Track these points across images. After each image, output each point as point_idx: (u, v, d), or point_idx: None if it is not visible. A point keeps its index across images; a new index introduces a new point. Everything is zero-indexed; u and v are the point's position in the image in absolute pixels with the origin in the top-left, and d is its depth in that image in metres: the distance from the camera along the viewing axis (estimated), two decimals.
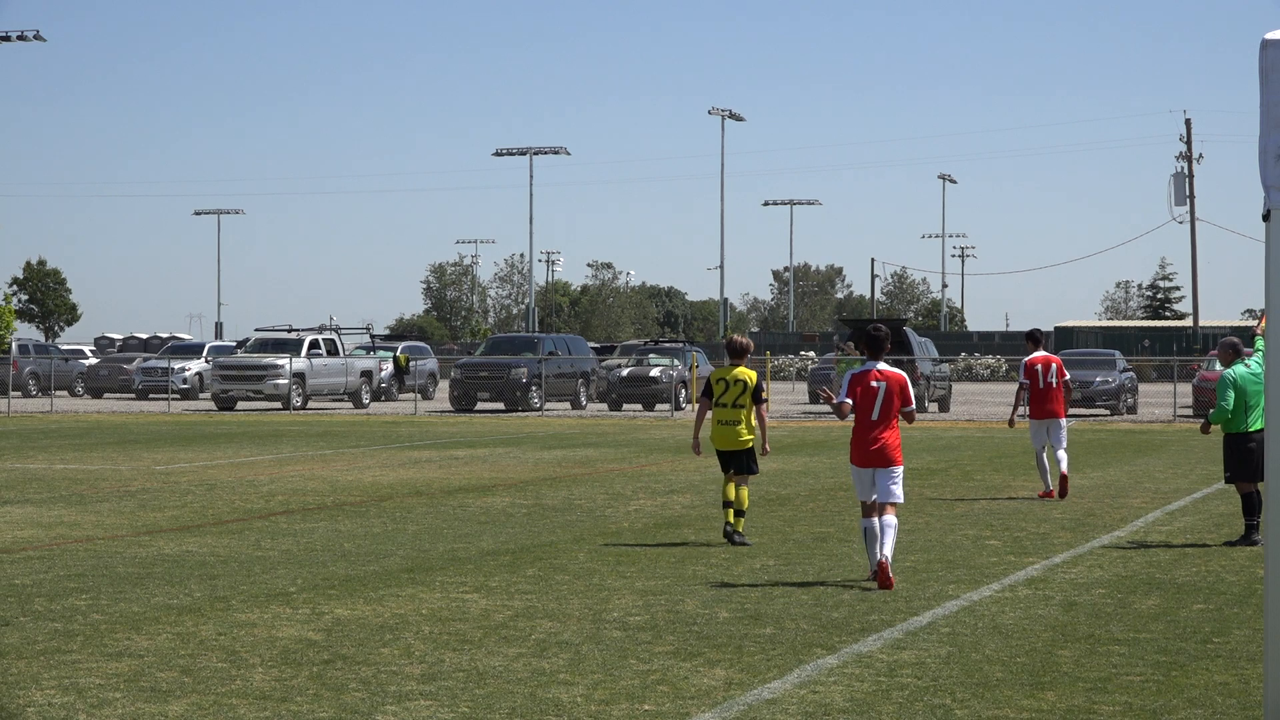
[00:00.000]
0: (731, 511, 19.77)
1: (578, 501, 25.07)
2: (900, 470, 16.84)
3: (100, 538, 20.34)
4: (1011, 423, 28.36)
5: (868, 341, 17.55)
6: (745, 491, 19.99)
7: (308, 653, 12.78)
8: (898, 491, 16.69)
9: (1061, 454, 25.65)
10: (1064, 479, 25.47)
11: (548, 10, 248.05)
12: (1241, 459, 19.82)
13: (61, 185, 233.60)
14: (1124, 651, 12.89)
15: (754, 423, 19.77)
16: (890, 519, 16.47)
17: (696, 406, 20.92)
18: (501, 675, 11.96)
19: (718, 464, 20.15)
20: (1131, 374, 59.96)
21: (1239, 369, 20.01)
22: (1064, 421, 26.07)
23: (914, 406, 17.20)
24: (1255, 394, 19.63)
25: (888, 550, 16.28)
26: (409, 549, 19.25)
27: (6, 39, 79.96)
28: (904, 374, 17.30)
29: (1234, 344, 20.60)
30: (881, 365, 17.12)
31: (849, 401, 16.84)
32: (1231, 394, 19.80)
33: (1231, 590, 16.17)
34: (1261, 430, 19.03)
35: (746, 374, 19.82)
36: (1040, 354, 26.41)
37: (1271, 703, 6.44)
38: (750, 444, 19.79)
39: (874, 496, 16.64)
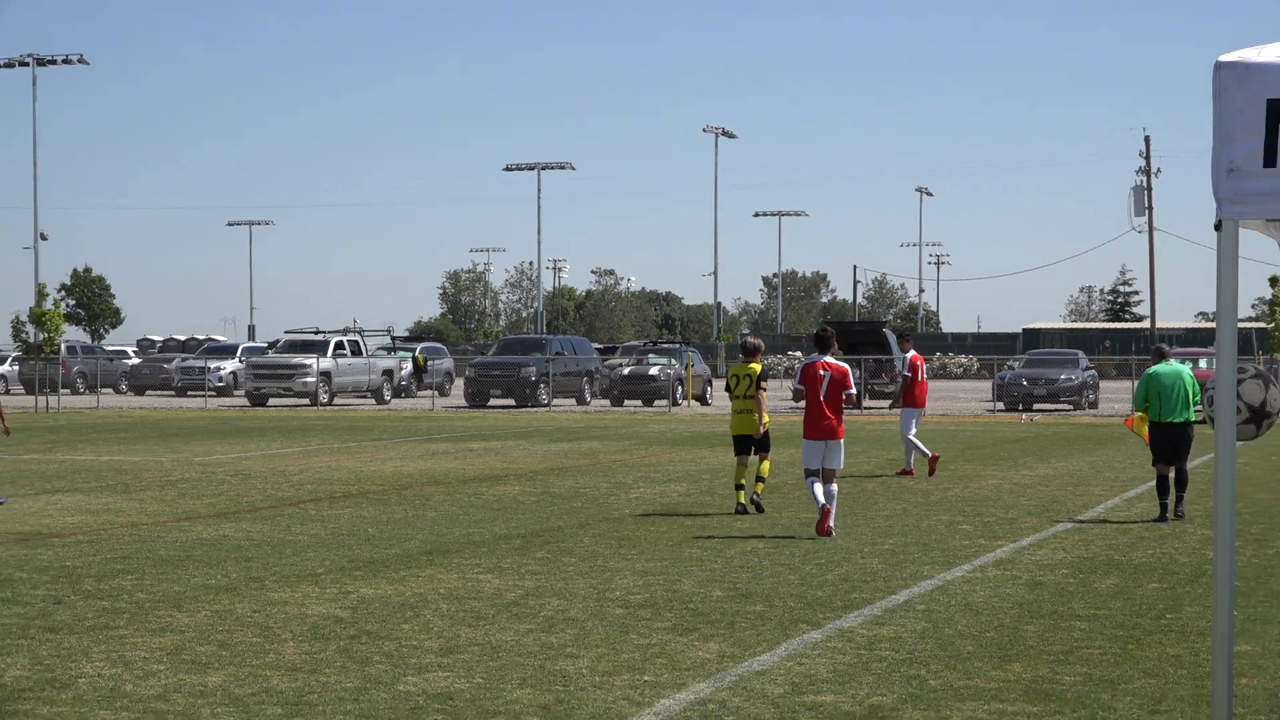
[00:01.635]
0: (757, 485, 21.36)
1: (583, 490, 25.09)
2: (842, 442, 19.28)
3: (144, 523, 20.37)
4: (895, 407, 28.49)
5: (816, 340, 20.65)
6: (766, 464, 21.56)
7: (335, 628, 12.81)
8: (840, 460, 19.21)
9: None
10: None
11: (555, 36, 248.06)
12: (1162, 442, 20.78)
13: (105, 198, 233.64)
14: (1084, 626, 12.92)
15: (761, 408, 21.19)
16: (834, 487, 19.02)
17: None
18: (513, 649, 11.99)
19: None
20: (1093, 372, 59.96)
21: (1160, 368, 20.99)
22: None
23: (854, 391, 19.56)
24: (1172, 390, 20.77)
25: (833, 508, 18.74)
26: (427, 533, 19.27)
27: (53, 62, 79.96)
28: (846, 366, 19.47)
29: (1159, 349, 21.93)
30: (828, 358, 19.58)
31: (802, 388, 19.28)
32: (1142, 390, 21.02)
33: (1184, 570, 16.20)
34: (1183, 422, 20.69)
35: (755, 368, 21.41)
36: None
37: (1220, 672, 6.47)
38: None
39: (820, 464, 19.01)
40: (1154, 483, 21.61)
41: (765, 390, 21.47)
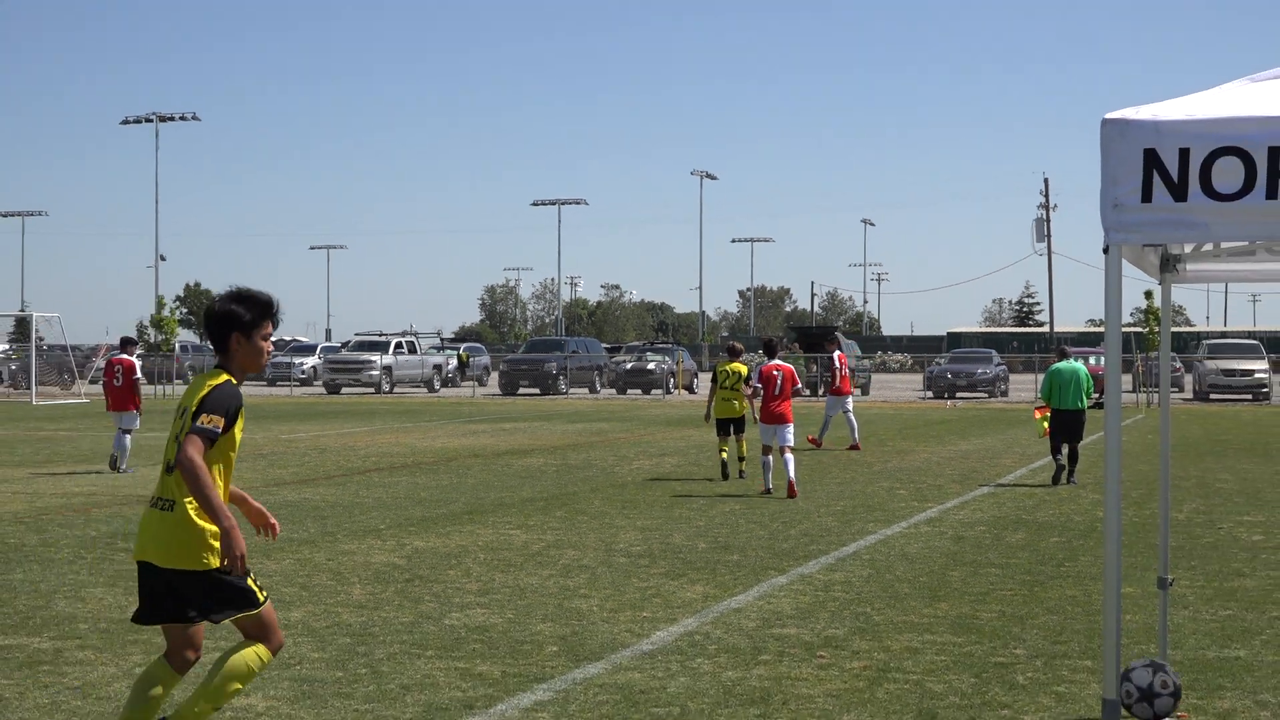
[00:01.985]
0: (740, 462, 21.74)
1: (594, 461, 25.04)
2: (792, 426, 19.81)
3: (240, 488, 20.30)
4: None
5: (764, 346, 22.22)
6: (745, 443, 21.79)
7: (393, 574, 12.77)
8: (791, 438, 19.69)
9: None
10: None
11: (572, 99, 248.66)
12: (1060, 425, 21.28)
13: (213, 226, 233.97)
14: (999, 573, 12.88)
15: (745, 399, 21.41)
16: (789, 456, 19.59)
17: (709, 389, 22.40)
18: (537, 590, 11.94)
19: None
20: (1004, 367, 59.91)
21: (1060, 365, 21.53)
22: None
23: (800, 385, 20.64)
24: (1070, 383, 21.28)
25: (792, 473, 19.30)
26: (469, 497, 19.22)
27: (172, 119, 79.87)
28: (792, 367, 20.36)
29: (1061, 349, 22.60)
30: (778, 360, 20.54)
31: (760, 385, 20.12)
32: (1046, 383, 21.56)
33: (1079, 527, 16.16)
34: (1074, 409, 21.21)
35: (740, 368, 21.62)
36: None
37: (1109, 609, 6.43)
38: (743, 413, 21.51)
39: (775, 442, 19.62)
40: (1051, 458, 21.95)
41: (749, 385, 21.56)
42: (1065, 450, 21.22)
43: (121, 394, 23.36)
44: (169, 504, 6.44)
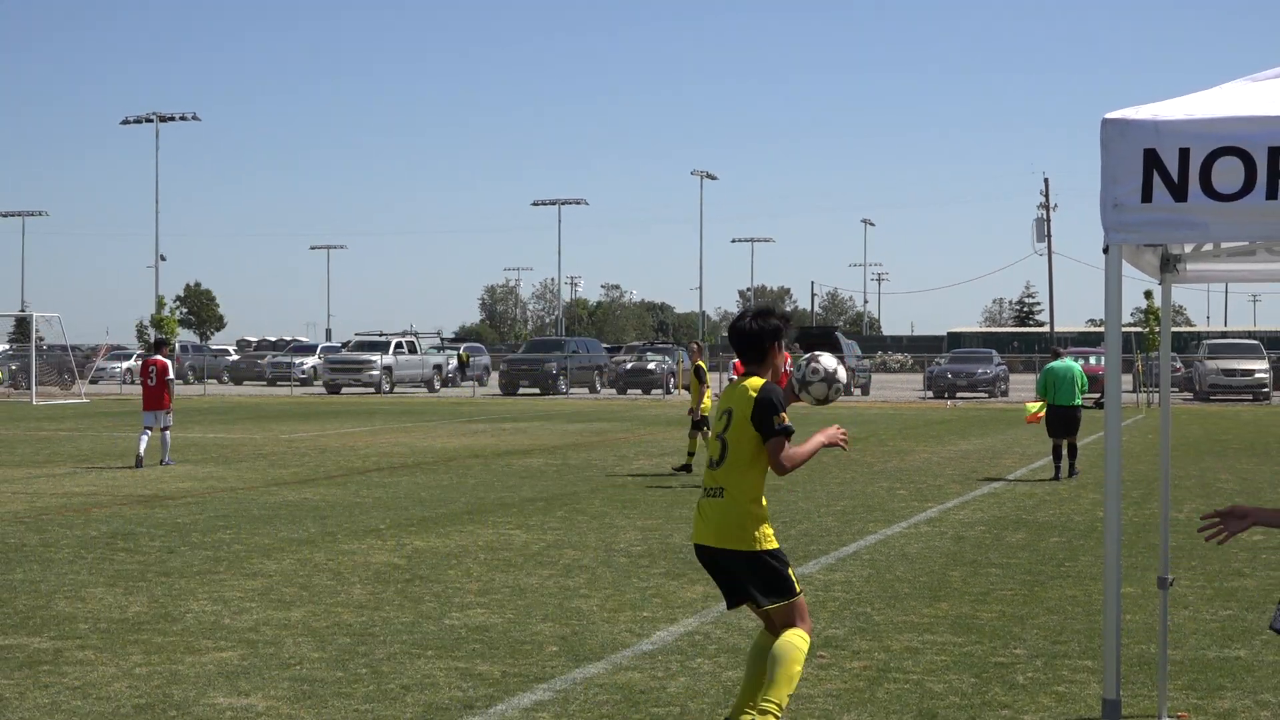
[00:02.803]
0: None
1: (594, 462, 25.04)
2: None
3: (240, 488, 20.33)
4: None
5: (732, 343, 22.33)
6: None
7: (394, 574, 12.77)
8: None
9: None
10: None
11: (573, 99, 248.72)
12: (1055, 421, 21.87)
13: (213, 227, 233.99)
14: (999, 572, 12.88)
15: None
16: None
17: (695, 387, 23.05)
18: (537, 590, 11.94)
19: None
20: (1004, 367, 59.95)
21: (1056, 364, 22.26)
22: None
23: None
24: (1064, 381, 21.91)
25: None
26: (469, 496, 19.22)
27: (172, 119, 79.85)
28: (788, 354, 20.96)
29: (1055, 350, 23.54)
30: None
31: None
32: (1042, 381, 22.17)
33: (1079, 527, 16.16)
34: (1069, 405, 21.86)
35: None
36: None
37: (1109, 609, 6.43)
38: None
39: None
40: (1051, 455, 22.40)
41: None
42: (1065, 447, 21.89)
43: (155, 393, 24.36)
44: (719, 491, 7.03)
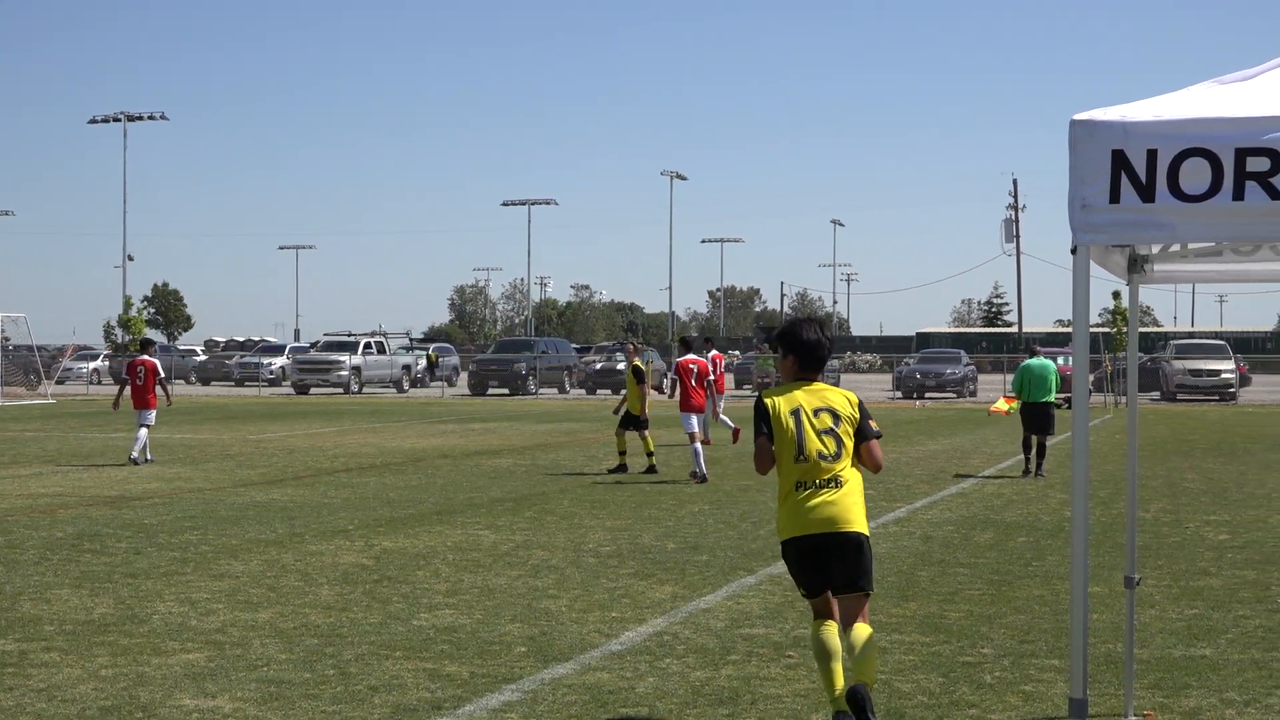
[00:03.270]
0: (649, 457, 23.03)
1: (563, 462, 25.02)
2: (707, 414, 22.37)
3: (208, 489, 20.25)
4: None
5: (681, 342, 23.88)
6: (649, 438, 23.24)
7: (362, 574, 12.73)
8: (704, 426, 22.12)
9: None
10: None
11: (544, 100, 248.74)
12: (1030, 418, 22.44)
13: (181, 227, 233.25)
14: (967, 572, 12.91)
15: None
16: (699, 445, 21.75)
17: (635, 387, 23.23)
18: (506, 591, 11.92)
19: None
20: (973, 367, 60.16)
21: (1031, 361, 22.74)
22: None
23: (712, 377, 22.95)
24: (1039, 379, 22.43)
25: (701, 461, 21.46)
26: (438, 497, 19.19)
27: (140, 118, 79.52)
28: (705, 361, 22.43)
29: (1032, 348, 23.70)
30: (691, 355, 22.66)
31: (676, 378, 22.43)
32: (1018, 378, 22.73)
33: (1046, 526, 16.21)
34: (1046, 402, 22.45)
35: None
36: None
37: (1076, 609, 6.45)
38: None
39: (693, 429, 21.80)
40: (1022, 456, 22.94)
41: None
42: (1034, 445, 22.41)
43: (142, 392, 25.06)
44: (837, 482, 7.60)
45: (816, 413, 7.68)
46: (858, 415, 7.78)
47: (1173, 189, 6.05)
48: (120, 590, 11.91)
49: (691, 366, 22.40)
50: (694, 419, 22.10)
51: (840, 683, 7.39)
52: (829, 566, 7.56)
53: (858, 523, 7.59)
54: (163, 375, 25.40)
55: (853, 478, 7.68)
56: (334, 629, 10.31)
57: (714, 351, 28.69)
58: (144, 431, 24.76)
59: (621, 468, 22.93)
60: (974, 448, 28.77)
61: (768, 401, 7.69)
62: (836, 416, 7.72)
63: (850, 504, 7.60)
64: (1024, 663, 9.27)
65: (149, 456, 24.90)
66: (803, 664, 9.24)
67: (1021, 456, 22.92)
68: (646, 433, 23.07)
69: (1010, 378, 23.82)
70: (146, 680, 8.74)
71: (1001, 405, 23.17)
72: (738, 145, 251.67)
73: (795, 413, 7.61)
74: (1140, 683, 8.63)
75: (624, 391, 23.59)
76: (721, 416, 27.20)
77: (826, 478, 7.57)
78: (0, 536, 15.21)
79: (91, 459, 25.56)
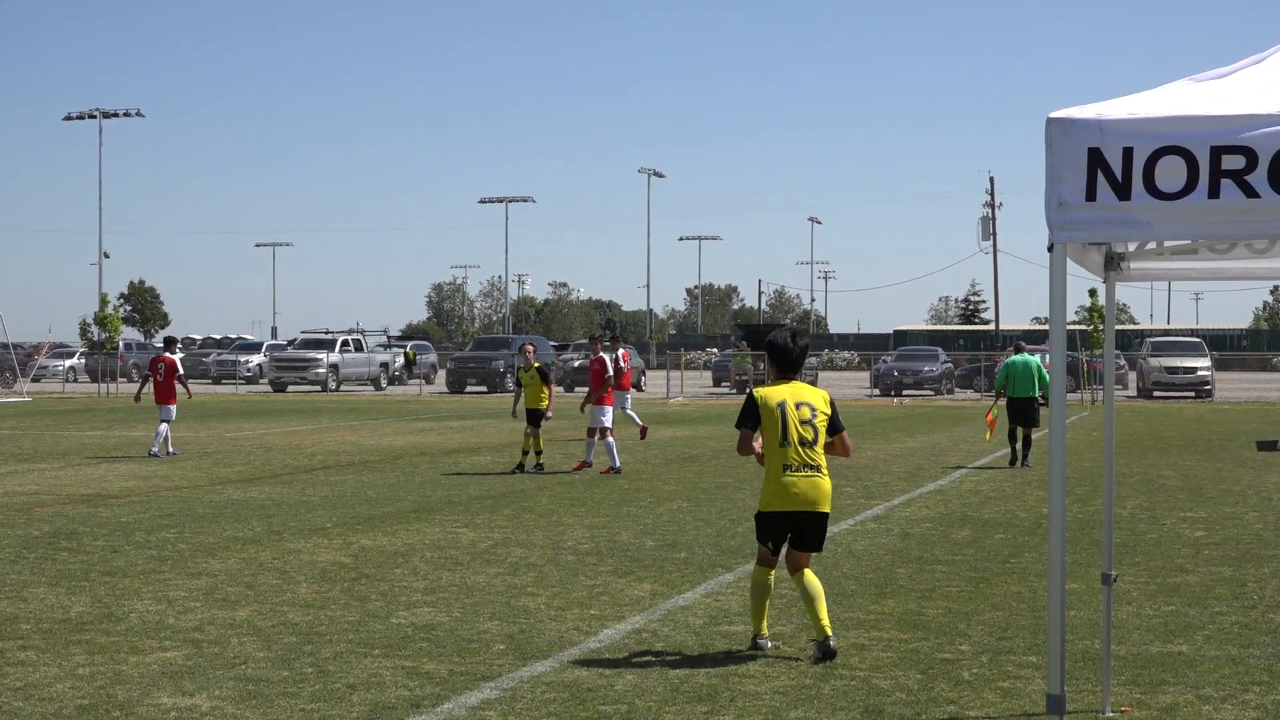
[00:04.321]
0: (537, 455, 23.06)
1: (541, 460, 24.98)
2: (611, 407, 23.02)
3: (185, 487, 20.20)
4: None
5: (590, 339, 24.67)
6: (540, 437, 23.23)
7: (340, 572, 12.72)
8: (610, 420, 22.76)
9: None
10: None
11: (521, 96, 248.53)
12: (1015, 411, 23.87)
13: (157, 224, 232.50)
14: (945, 569, 12.94)
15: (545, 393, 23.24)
16: (611, 440, 22.62)
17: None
18: (485, 589, 11.92)
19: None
20: (950, 364, 60.25)
21: (1015, 358, 24.12)
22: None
23: (610, 374, 23.53)
24: (1023, 374, 23.76)
25: (616, 455, 22.60)
26: (416, 495, 19.17)
27: (115, 115, 79.19)
28: (606, 358, 23.39)
29: (1018, 345, 24.90)
30: (621, 350, 24.37)
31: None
32: (1002, 373, 24.13)
33: (1024, 524, 16.25)
34: (1027, 397, 23.72)
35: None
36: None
37: (1054, 605, 6.47)
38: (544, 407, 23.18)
39: (602, 424, 22.60)
40: (1000, 452, 23.56)
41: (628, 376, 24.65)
42: (1020, 435, 23.75)
43: (164, 388, 26.00)
44: (818, 468, 9.50)
45: (798, 406, 9.39)
46: (829, 411, 9.54)
47: (1149, 187, 6.07)
48: (97, 589, 11.88)
49: (597, 366, 23.49)
50: (607, 412, 22.87)
51: (765, 619, 9.67)
52: (796, 533, 9.51)
53: (826, 503, 9.59)
54: (182, 372, 26.40)
55: (826, 465, 9.54)
56: (312, 627, 10.30)
57: (622, 349, 28.77)
58: (164, 426, 25.74)
59: (539, 467, 22.91)
60: (951, 445, 28.83)
61: (757, 395, 9.39)
62: (813, 410, 9.44)
63: (825, 488, 9.54)
64: (1002, 659, 9.30)
65: (170, 450, 25.82)
66: (782, 661, 9.25)
67: (1010, 448, 24.04)
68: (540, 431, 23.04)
69: (999, 369, 24.35)
70: (124, 679, 8.73)
71: (992, 413, 24.00)
72: (715, 142, 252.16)
73: (781, 405, 9.35)
74: (1117, 679, 8.67)
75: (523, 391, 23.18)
76: (629, 412, 27.38)
77: (808, 463, 9.40)
78: None
79: (68, 457, 25.48)
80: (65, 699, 8.25)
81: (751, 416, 9.40)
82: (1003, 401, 24.15)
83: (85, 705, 8.11)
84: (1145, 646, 9.69)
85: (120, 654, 9.41)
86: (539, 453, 22.97)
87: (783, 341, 9.51)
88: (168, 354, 26.55)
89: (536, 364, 23.35)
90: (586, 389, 59.31)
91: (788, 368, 9.52)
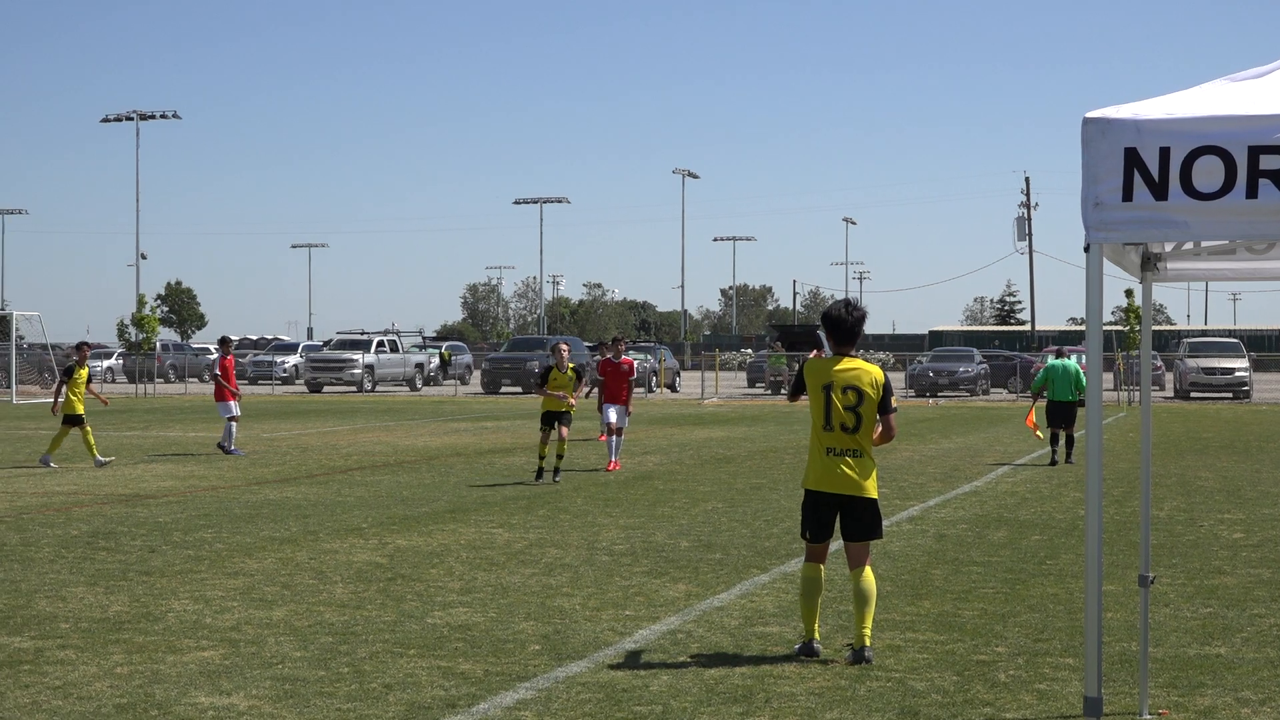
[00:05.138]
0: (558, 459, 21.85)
1: (576, 460, 24.99)
2: (626, 407, 23.78)
3: (221, 487, 20.29)
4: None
5: (608, 343, 25.74)
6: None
7: (376, 572, 12.76)
8: (626, 421, 23.38)
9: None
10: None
11: (556, 98, 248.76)
12: (1054, 414, 24.31)
13: (194, 225, 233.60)
14: (980, 571, 12.90)
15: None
16: (622, 437, 23.34)
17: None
18: (520, 589, 11.94)
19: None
20: (985, 365, 60.01)
21: (1053, 362, 24.55)
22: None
23: (635, 376, 24.63)
24: (1063, 378, 24.22)
25: (618, 454, 23.27)
26: (451, 495, 19.21)
27: (153, 117, 79.66)
28: (632, 360, 24.15)
29: (1058, 349, 25.98)
30: (609, 356, 24.34)
31: (601, 377, 24.17)
32: (1042, 375, 24.61)
33: (1060, 525, 16.19)
34: (1069, 400, 24.21)
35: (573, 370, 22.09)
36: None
37: (1091, 607, 6.45)
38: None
39: (615, 423, 23.21)
40: (1038, 452, 23.88)
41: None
42: (1061, 438, 24.25)
43: (221, 388, 26.95)
44: (858, 452, 9.38)
45: (844, 390, 9.40)
46: (879, 394, 9.45)
47: (1186, 187, 6.04)
48: (135, 588, 11.95)
49: (613, 367, 24.20)
50: (624, 412, 23.81)
51: (816, 619, 9.43)
52: (843, 522, 9.45)
53: (870, 489, 9.44)
54: (231, 372, 27.33)
55: (868, 449, 9.40)
56: (348, 627, 10.33)
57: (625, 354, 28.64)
58: (230, 423, 26.58)
59: (556, 471, 21.72)
60: (987, 446, 28.73)
61: (807, 371, 9.58)
62: (860, 395, 9.40)
63: (866, 473, 9.42)
64: (1038, 661, 9.26)
65: (233, 448, 26.55)
66: (817, 662, 9.24)
67: (1050, 450, 24.51)
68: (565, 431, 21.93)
69: (1039, 372, 24.87)
70: (161, 678, 8.77)
71: (1037, 418, 25.05)
72: (749, 143, 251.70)
73: (826, 388, 9.41)
74: (1155, 681, 8.62)
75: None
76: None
77: (850, 448, 9.36)
78: (16, 534, 15.27)
79: (106, 455, 25.60)
80: (104, 698, 8.30)
81: (800, 390, 9.74)
82: (1041, 403, 24.91)
83: (123, 704, 8.16)
84: (1183, 649, 9.64)
85: (158, 653, 9.46)
86: (559, 456, 21.61)
87: (837, 313, 9.55)
88: (225, 355, 27.60)
89: (572, 365, 22.81)
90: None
91: (844, 339, 9.56)
